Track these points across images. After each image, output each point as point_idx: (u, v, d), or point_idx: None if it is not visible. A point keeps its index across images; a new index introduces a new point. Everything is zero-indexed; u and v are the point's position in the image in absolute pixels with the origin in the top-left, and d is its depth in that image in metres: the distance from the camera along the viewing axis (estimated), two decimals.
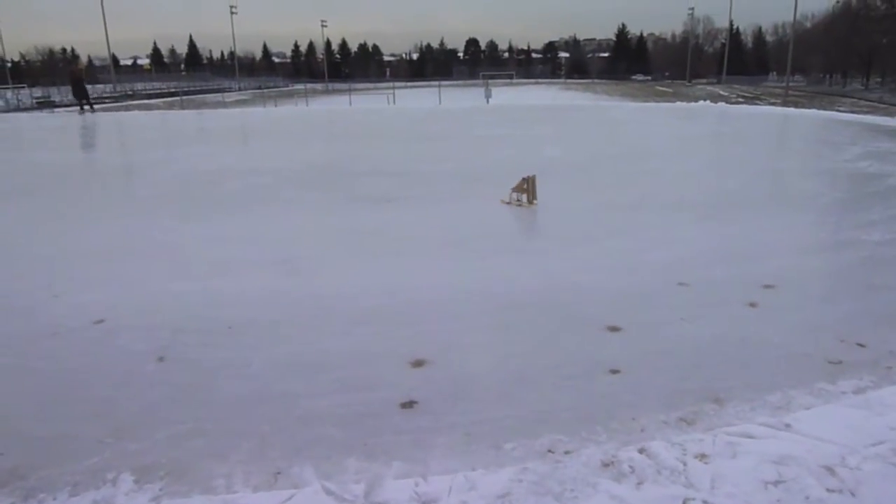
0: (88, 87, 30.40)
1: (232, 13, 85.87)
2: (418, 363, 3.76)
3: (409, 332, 4.21)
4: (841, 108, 29.71)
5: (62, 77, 70.70)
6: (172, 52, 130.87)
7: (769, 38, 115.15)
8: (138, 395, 3.46)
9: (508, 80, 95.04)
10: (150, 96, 60.23)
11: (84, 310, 4.64)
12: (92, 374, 3.72)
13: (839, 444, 2.81)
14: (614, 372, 3.61)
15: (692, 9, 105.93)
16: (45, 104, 46.24)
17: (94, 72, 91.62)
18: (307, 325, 4.41)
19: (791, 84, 63.46)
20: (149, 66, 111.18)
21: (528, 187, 8.04)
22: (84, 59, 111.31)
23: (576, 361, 3.78)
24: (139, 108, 40.70)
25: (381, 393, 3.44)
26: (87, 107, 27.01)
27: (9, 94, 48.51)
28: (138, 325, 4.40)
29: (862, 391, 3.35)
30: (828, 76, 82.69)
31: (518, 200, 8.05)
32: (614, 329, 4.19)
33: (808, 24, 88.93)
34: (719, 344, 3.98)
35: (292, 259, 5.96)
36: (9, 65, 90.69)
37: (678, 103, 31.00)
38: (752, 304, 4.59)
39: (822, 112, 23.85)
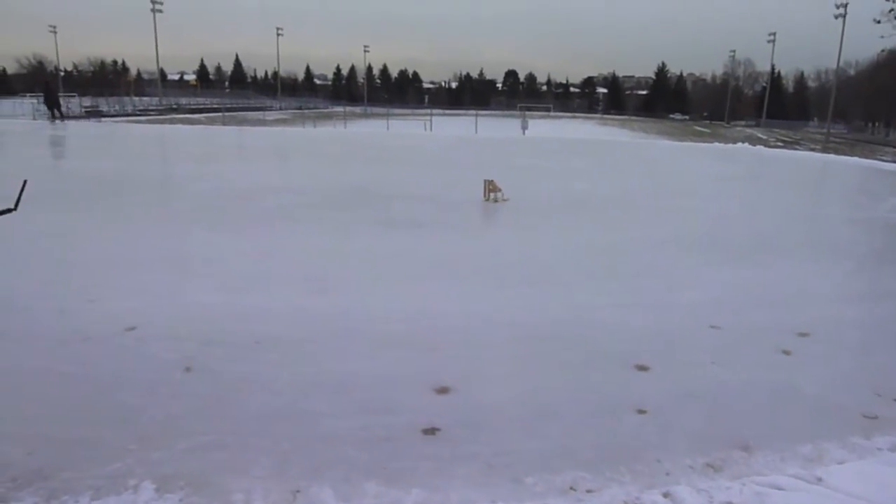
0: (134, 98, 33.19)
1: (278, 34, 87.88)
2: (442, 390, 3.74)
3: (433, 358, 4.20)
4: (883, 158, 29.16)
5: (112, 88, 72.85)
6: (218, 69, 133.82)
7: (811, 83, 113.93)
8: (164, 404, 3.49)
9: (545, 113, 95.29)
10: (193, 111, 61.53)
11: (117, 317, 4.71)
12: (120, 381, 3.77)
13: (873, 503, 2.71)
14: (641, 412, 3.54)
15: (733, 51, 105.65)
16: (92, 113, 47.50)
17: (143, 85, 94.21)
18: (333, 344, 4.41)
19: (832, 130, 62.59)
20: (195, 82, 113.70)
21: (492, 188, 10.55)
22: (133, 72, 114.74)
23: (602, 398, 3.72)
24: (182, 121, 41.60)
25: (403, 417, 3.42)
26: (57, 115, 29.55)
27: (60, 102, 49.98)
28: (168, 334, 4.45)
29: None
30: (870, 124, 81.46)
31: (495, 199, 10.46)
32: (642, 368, 4.12)
33: (852, 72, 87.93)
34: (750, 390, 3.89)
35: (321, 278, 5.99)
36: (62, 74, 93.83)
37: (716, 144, 30.77)
38: (786, 352, 4.48)
39: (863, 160, 23.46)
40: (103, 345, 4.27)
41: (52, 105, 29.31)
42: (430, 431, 3.29)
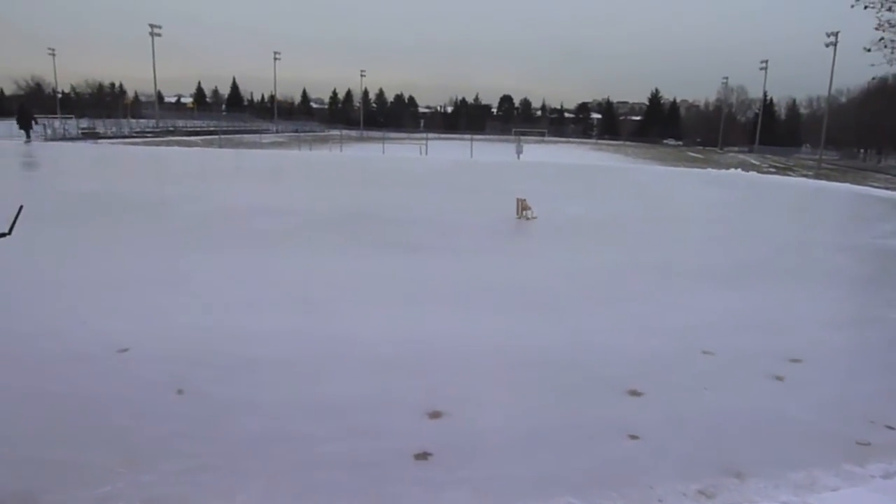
0: (131, 120, 33.51)
1: (275, 59, 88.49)
2: (434, 414, 3.72)
3: (426, 382, 4.18)
4: (874, 184, 29.41)
5: (109, 110, 73.11)
6: (215, 92, 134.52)
7: (803, 110, 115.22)
8: (154, 426, 3.46)
9: (540, 138, 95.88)
10: (190, 133, 61.70)
11: (109, 337, 4.69)
12: (111, 402, 3.74)
13: None
14: (633, 437, 3.53)
15: (726, 78, 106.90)
16: (89, 135, 47.60)
17: (140, 107, 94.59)
18: (325, 367, 4.40)
19: (824, 157, 63.11)
20: (192, 105, 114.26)
21: (524, 206, 11.25)
22: (130, 95, 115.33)
23: (594, 423, 3.71)
24: (179, 143, 41.70)
25: (394, 442, 3.39)
26: (28, 137, 29.90)
27: (56, 123, 50.09)
28: (159, 355, 4.43)
29: (891, 476, 3.23)
30: (862, 151, 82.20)
31: (526, 216, 11.18)
32: (635, 393, 4.11)
33: (844, 99, 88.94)
34: (743, 416, 3.88)
35: (315, 300, 5.99)
36: (59, 95, 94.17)
37: (709, 169, 30.98)
38: (778, 377, 4.48)
39: (854, 186, 23.65)
40: (94, 366, 4.24)
41: (25, 127, 29.70)
42: (422, 456, 3.26)
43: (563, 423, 3.69)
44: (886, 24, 17.32)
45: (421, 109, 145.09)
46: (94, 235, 8.81)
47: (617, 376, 4.38)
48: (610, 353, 4.91)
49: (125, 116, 70.61)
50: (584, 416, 3.80)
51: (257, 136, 61.43)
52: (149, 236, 9.12)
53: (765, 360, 4.80)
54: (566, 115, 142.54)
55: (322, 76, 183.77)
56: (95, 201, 12.32)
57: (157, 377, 4.07)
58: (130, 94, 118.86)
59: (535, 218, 11.25)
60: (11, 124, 31.23)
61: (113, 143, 38.51)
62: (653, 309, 6.20)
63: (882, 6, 16.05)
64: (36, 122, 30.59)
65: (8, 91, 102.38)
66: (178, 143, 40.99)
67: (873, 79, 60.04)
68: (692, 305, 6.41)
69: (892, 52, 18.30)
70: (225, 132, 56.69)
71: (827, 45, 59.16)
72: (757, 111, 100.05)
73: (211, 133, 58.09)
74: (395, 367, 4.42)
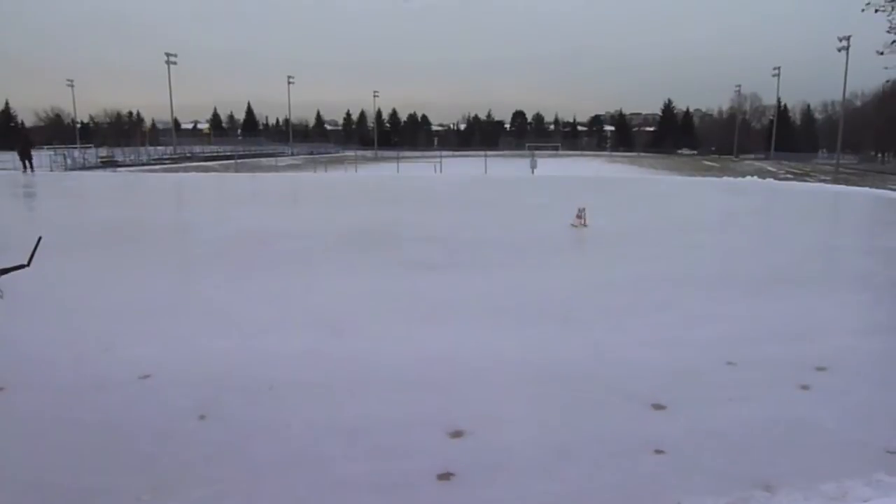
0: (149, 147, 33.88)
1: (289, 82, 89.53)
2: (457, 433, 3.70)
3: (449, 401, 4.17)
4: (894, 187, 29.07)
5: (127, 138, 74.25)
6: (231, 117, 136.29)
7: (818, 115, 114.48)
8: (178, 452, 3.47)
9: (554, 152, 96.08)
10: (207, 159, 62.58)
11: (132, 364, 4.73)
12: (135, 429, 3.76)
13: None
14: (659, 452, 3.49)
15: (739, 85, 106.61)
16: (108, 163, 48.42)
17: (157, 134, 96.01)
18: (347, 388, 4.40)
19: (841, 161, 62.53)
20: (208, 130, 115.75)
21: (582, 215, 11.92)
22: (148, 122, 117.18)
23: (619, 438, 3.67)
24: (196, 169, 42.25)
25: (418, 462, 3.38)
26: (28, 168, 29.84)
27: (76, 153, 51.01)
28: (183, 381, 4.46)
29: None
30: (879, 154, 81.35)
31: (580, 223, 11.89)
32: (659, 407, 4.06)
33: (858, 103, 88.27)
34: (770, 427, 3.82)
35: (335, 321, 6.00)
36: (78, 126, 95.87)
37: (725, 178, 30.80)
38: (805, 387, 4.41)
39: (874, 190, 23.36)
40: (117, 392, 4.28)
41: (25, 157, 29.78)
42: (445, 476, 3.24)
43: (588, 439, 3.65)
44: None
45: (434, 127, 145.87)
46: (114, 263, 8.91)
47: (642, 389, 4.34)
48: (634, 365, 4.86)
49: (143, 144, 71.75)
50: (609, 431, 3.76)
51: (273, 159, 62.20)
52: (169, 262, 9.21)
53: (791, 369, 4.73)
54: (579, 128, 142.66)
55: (335, 98, 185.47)
56: (114, 228, 12.48)
57: (180, 402, 4.09)
58: (148, 121, 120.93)
59: (586, 226, 11.97)
60: (13, 155, 31.45)
61: (132, 171, 39.08)
62: (677, 319, 6.14)
63: (893, 9, 15.99)
64: (31, 154, 30.33)
65: (29, 123, 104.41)
66: (196, 169, 41.53)
67: (887, 81, 59.68)
68: (717, 315, 6.34)
69: None
70: (241, 156, 57.47)
71: (839, 50, 59.02)
72: (771, 118, 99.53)
73: (227, 158, 58.88)
74: (418, 386, 4.41)
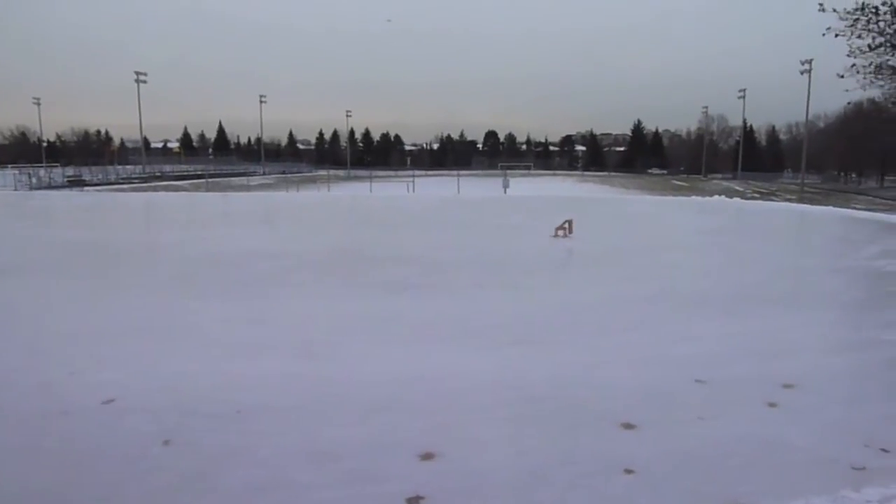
0: (118, 166, 33.11)
1: (261, 102, 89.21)
2: (428, 456, 3.68)
3: (421, 424, 4.14)
4: (857, 206, 29.80)
5: (95, 157, 73.23)
6: (202, 136, 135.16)
7: (783, 136, 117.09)
8: (143, 480, 3.40)
9: (526, 172, 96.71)
10: (177, 178, 61.88)
11: (97, 389, 4.63)
12: (99, 457, 3.67)
13: None
14: (629, 472, 3.50)
15: (706, 107, 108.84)
16: (75, 183, 47.63)
17: (127, 153, 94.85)
18: (319, 412, 4.35)
19: (806, 181, 64.00)
20: (178, 150, 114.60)
21: (567, 226, 13.08)
22: (116, 141, 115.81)
23: (591, 459, 3.67)
24: (166, 188, 41.76)
25: (388, 486, 3.35)
26: None
27: (42, 172, 50.17)
28: (148, 406, 4.37)
29: (888, 500, 3.21)
30: (842, 174, 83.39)
31: (561, 234, 13.02)
32: (630, 427, 4.08)
33: (822, 124, 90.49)
34: (739, 445, 3.86)
35: (307, 343, 5.95)
36: (45, 144, 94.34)
37: (694, 197, 31.28)
38: (773, 405, 4.47)
39: (838, 209, 23.92)
40: (82, 418, 4.18)
41: None
42: (415, 500, 3.22)
43: (559, 460, 3.65)
44: (857, 51, 17.77)
45: (407, 147, 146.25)
46: (79, 284, 8.75)
47: (611, 410, 4.36)
48: (604, 386, 4.88)
49: (111, 163, 70.77)
50: (581, 453, 3.77)
51: (245, 178, 61.74)
52: (138, 284, 9.06)
53: (760, 388, 4.80)
54: (551, 148, 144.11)
55: (308, 117, 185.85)
56: (79, 249, 12.26)
57: (146, 428, 4.01)
58: (116, 140, 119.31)
59: (570, 236, 13.29)
60: None
61: (99, 191, 38.50)
62: (648, 339, 6.20)
63: (852, 34, 16.48)
64: None
65: None
66: (166, 189, 41.05)
67: (848, 103, 61.35)
68: (688, 334, 6.41)
69: (864, 78, 18.74)
70: (212, 176, 56.94)
71: (802, 73, 60.50)
72: (738, 138, 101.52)
73: (198, 177, 58.32)
74: (391, 409, 4.37)
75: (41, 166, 56.92)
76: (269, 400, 4.51)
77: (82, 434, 3.97)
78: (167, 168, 71.74)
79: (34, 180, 43.65)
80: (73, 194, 32.99)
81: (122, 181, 55.11)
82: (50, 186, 43.44)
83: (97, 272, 9.93)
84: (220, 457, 3.66)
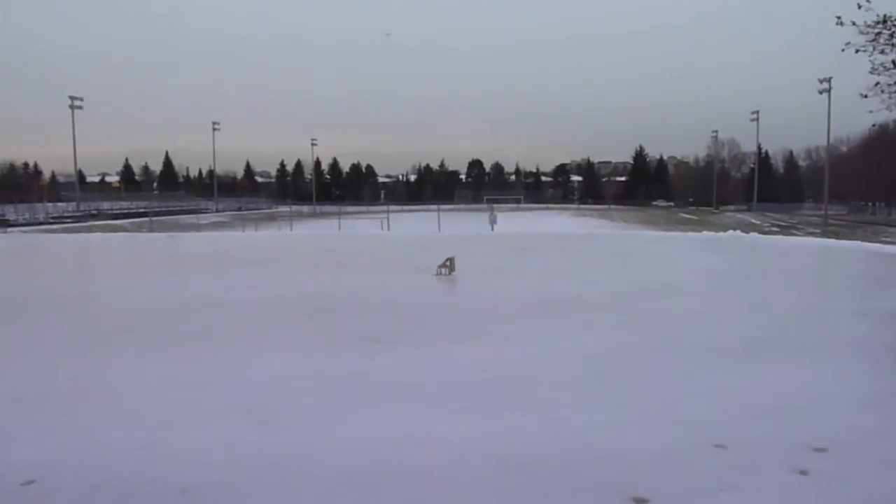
0: (48, 204, 33.27)
1: (214, 129, 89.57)
2: None
3: (396, 500, 4.04)
4: (887, 240, 30.27)
5: (22, 193, 72.75)
6: (146, 169, 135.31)
7: (802, 162, 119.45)
8: None
9: (516, 205, 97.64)
10: (117, 216, 61.65)
11: (15, 468, 4.49)
12: None
13: None
14: None
15: (716, 131, 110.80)
16: None
17: (58, 189, 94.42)
18: (276, 491, 4.24)
19: (830, 212, 64.97)
20: (118, 184, 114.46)
21: (449, 264, 14.13)
22: (47, 175, 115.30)
23: None
24: (104, 228, 41.49)
25: None
26: None
27: None
28: (76, 487, 4.24)
29: None
30: (870, 204, 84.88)
31: (443, 272, 14.10)
32: (640, 501, 4.02)
33: (844, 148, 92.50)
34: None
35: (263, 409, 5.84)
36: None
37: (705, 233, 31.66)
38: (803, 472, 4.43)
39: (866, 244, 24.29)
40: None
41: None
42: None
43: None
44: (881, 68, 18.23)
45: (381, 179, 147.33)
46: (3, 342, 8.59)
47: (616, 480, 4.29)
48: (608, 451, 4.82)
49: (41, 200, 70.31)
50: None
51: (195, 216, 61.67)
52: (65, 340, 8.91)
53: (786, 451, 4.76)
54: (543, 178, 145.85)
55: (268, 147, 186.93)
56: (6, 300, 12.06)
57: None
58: (47, 174, 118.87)
59: (450, 274, 14.31)
60: None
61: (26, 231, 38.15)
62: (655, 397, 6.16)
63: (874, 49, 16.91)
64: None
65: None
66: (103, 229, 40.78)
67: (873, 126, 62.81)
68: (700, 390, 6.38)
69: (890, 97, 19.18)
70: (157, 213, 56.76)
71: (821, 92, 62.01)
72: (752, 165, 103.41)
73: (141, 215, 58.14)
74: (359, 486, 4.27)
75: None
76: (219, 476, 4.40)
77: None
78: (105, 205, 71.48)
79: None
80: None
81: (52, 220, 54.74)
82: None
83: (17, 326, 9.75)
84: None
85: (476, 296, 12.51)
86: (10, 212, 55.29)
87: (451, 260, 14.33)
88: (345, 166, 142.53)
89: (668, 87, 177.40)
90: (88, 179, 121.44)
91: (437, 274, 14.25)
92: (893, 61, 17.57)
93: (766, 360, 7.53)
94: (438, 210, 45.95)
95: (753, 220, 61.77)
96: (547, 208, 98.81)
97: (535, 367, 7.33)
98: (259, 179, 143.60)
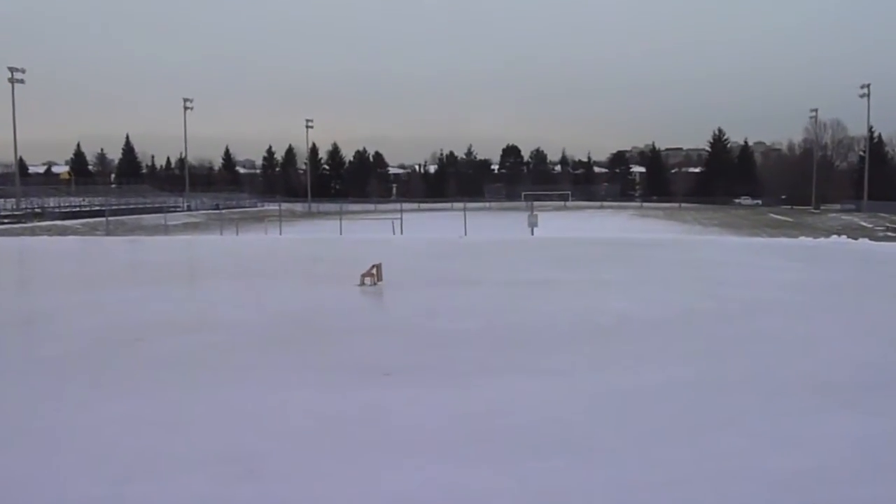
0: None
1: (186, 108, 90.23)
2: None
3: None
4: None
5: None
6: (102, 157, 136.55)
7: None
8: None
9: (562, 203, 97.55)
10: (66, 216, 62.35)
11: None
12: None
13: None
14: None
15: (815, 110, 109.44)
16: None
17: None
18: None
19: None
20: (67, 175, 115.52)
21: (376, 271, 14.86)
22: None
23: None
24: (50, 231, 42.00)
25: None
26: None
27: None
28: None
29: None
30: None
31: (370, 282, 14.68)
32: None
33: None
34: None
35: (244, 456, 5.88)
36: None
37: (801, 238, 31.40)
38: None
39: None
40: None
41: None
42: None
43: None
44: None
45: (393, 171, 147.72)
46: None
47: None
48: None
49: None
50: None
51: (162, 215, 62.14)
52: (9, 370, 9.02)
53: None
54: (596, 169, 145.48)
55: (252, 130, 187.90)
56: None
57: None
58: None
59: (375, 284, 15.05)
60: None
61: None
62: (741, 445, 6.10)
63: None
64: None
65: None
66: (49, 231, 41.31)
67: None
68: (791, 437, 6.33)
69: None
70: (115, 212, 57.38)
71: None
72: (861, 153, 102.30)
73: (96, 214, 58.73)
74: None
75: None
76: None
77: None
78: (51, 202, 72.27)
79: None
80: None
81: None
82: None
83: None
84: None
85: (511, 317, 12.50)
86: None
87: (377, 267, 14.88)
88: (347, 154, 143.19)
89: (756, 52, 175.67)
90: (31, 170, 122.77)
91: (360, 284, 14.86)
92: None
93: (876, 401, 7.44)
94: (465, 209, 45.97)
95: (864, 223, 61.21)
96: (601, 207, 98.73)
97: (588, 409, 7.30)
98: (241, 170, 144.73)
